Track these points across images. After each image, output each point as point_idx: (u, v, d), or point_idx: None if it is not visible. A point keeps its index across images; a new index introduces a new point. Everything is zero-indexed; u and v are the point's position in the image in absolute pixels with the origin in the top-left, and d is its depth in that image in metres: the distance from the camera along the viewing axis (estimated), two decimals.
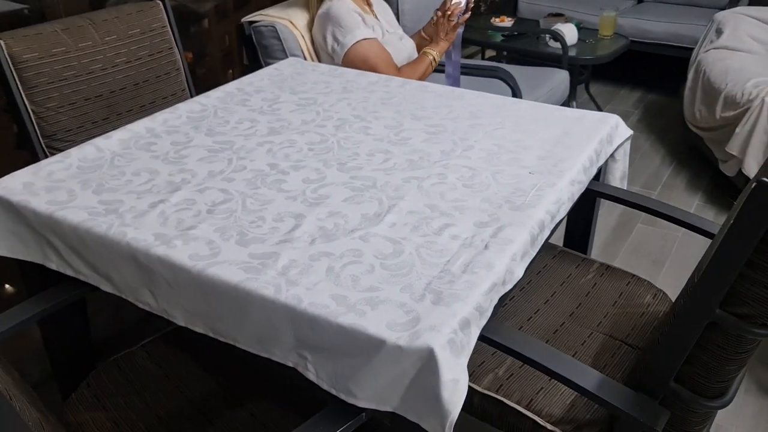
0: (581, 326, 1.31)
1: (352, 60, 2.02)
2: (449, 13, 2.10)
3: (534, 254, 1.08)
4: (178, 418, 1.12)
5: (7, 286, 1.94)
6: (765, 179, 0.76)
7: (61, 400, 1.39)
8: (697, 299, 0.86)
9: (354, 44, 2.01)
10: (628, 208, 1.55)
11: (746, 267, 0.81)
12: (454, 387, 0.82)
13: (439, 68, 2.26)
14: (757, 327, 0.84)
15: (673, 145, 3.22)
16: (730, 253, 0.81)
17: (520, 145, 1.35)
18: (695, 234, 1.36)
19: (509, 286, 0.99)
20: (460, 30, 2.22)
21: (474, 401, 1.18)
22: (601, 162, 1.40)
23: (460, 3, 2.09)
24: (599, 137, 1.39)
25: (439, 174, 1.23)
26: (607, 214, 2.60)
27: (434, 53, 2.13)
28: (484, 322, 0.93)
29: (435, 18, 2.18)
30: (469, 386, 1.17)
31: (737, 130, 2.51)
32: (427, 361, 0.82)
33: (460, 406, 0.83)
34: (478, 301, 0.91)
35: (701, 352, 0.90)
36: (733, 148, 2.54)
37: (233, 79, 1.76)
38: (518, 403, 1.13)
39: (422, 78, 2.13)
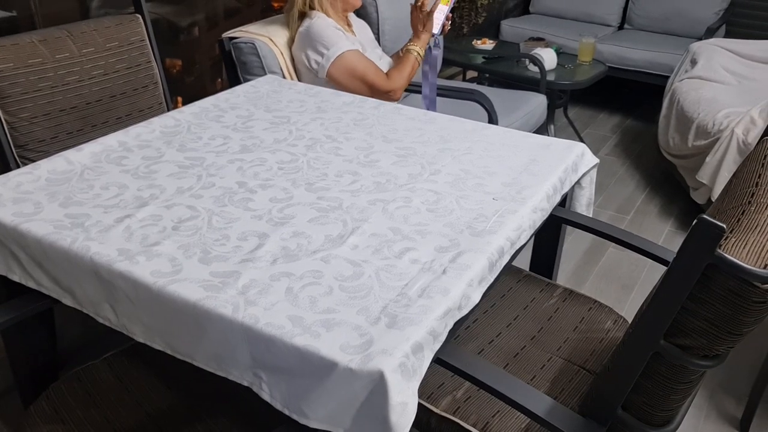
0: (541, 350, 1.34)
1: (338, 72, 2.04)
2: (420, 3, 2.13)
3: (492, 280, 1.10)
4: None
5: None
6: (705, 216, 0.78)
7: (23, 410, 1.39)
8: (643, 330, 0.89)
9: (338, 56, 2.03)
10: None
11: (688, 300, 0.84)
12: (403, 410, 0.84)
13: (417, 89, 2.29)
14: (698, 358, 0.87)
15: (648, 170, 3.28)
16: (673, 286, 0.84)
17: (487, 171, 1.38)
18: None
19: (465, 311, 1.01)
20: (439, 52, 2.25)
21: (432, 423, 1.19)
22: (565, 190, 1.43)
23: None
24: (564, 165, 1.42)
25: (405, 197, 1.26)
26: (579, 238, 2.64)
27: (417, 48, 2.15)
28: (438, 346, 0.95)
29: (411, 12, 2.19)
30: (427, 408, 1.19)
31: (707, 159, 2.57)
32: (378, 384, 0.83)
33: (408, 429, 0.84)
34: (432, 325, 0.93)
35: (647, 381, 0.92)
36: (703, 176, 2.59)
37: (222, 87, 1.78)
38: (474, 426, 1.15)
39: (411, 75, 2.14)
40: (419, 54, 2.15)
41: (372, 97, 2.16)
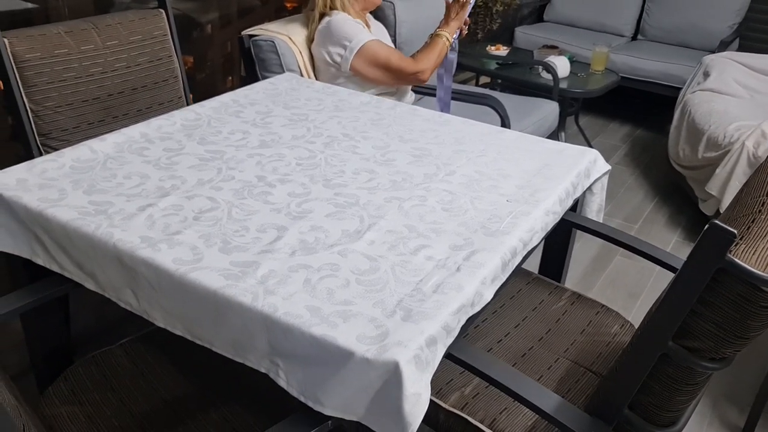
0: (549, 351, 1.36)
1: (361, 62, 2.06)
2: None
3: (504, 279, 1.12)
4: (152, 417, 1.15)
5: None
6: (717, 221, 0.81)
7: (37, 393, 1.42)
8: (652, 331, 0.91)
9: (361, 47, 2.05)
10: None
11: (698, 303, 0.86)
12: (416, 400, 0.86)
13: (431, 92, 2.32)
14: (706, 360, 0.89)
15: (657, 180, 3.30)
16: (683, 289, 0.86)
17: (501, 174, 1.40)
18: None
19: (478, 308, 1.04)
20: (454, 55, 2.28)
21: (440, 418, 1.21)
22: (577, 194, 1.45)
23: None
24: (577, 170, 1.44)
25: (420, 196, 1.28)
26: (587, 245, 2.65)
27: (446, 33, 2.15)
28: (450, 340, 0.97)
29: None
30: (436, 403, 1.21)
31: (717, 170, 2.58)
32: (393, 375, 0.86)
33: (421, 419, 0.87)
34: (446, 320, 0.95)
35: (654, 381, 0.94)
36: (712, 188, 2.61)
37: (233, 86, 1.81)
38: (482, 422, 1.17)
39: (439, 60, 2.14)
40: (448, 39, 2.14)
41: (398, 84, 2.17)
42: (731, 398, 1.89)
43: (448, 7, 2.19)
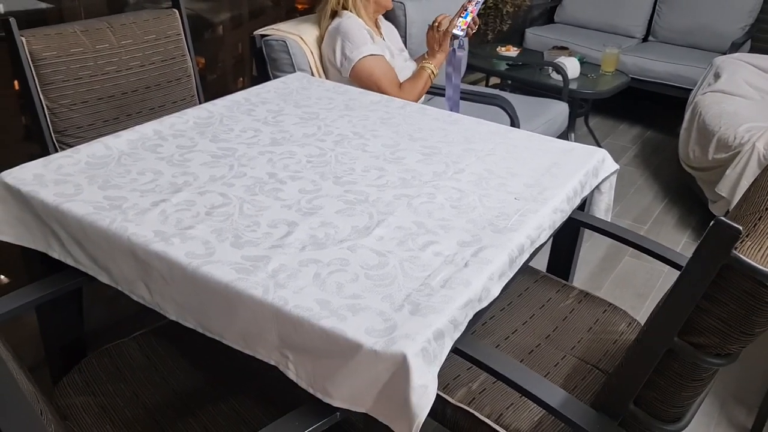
0: (556, 349, 1.37)
1: (359, 74, 2.10)
2: (437, 24, 2.18)
3: (511, 275, 1.13)
4: (163, 409, 1.17)
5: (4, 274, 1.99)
6: (723, 218, 0.82)
7: (51, 386, 1.44)
8: (657, 327, 0.92)
9: (361, 59, 2.09)
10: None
11: (703, 299, 0.87)
12: (423, 392, 0.88)
13: (440, 91, 2.33)
14: (711, 356, 0.90)
15: (666, 182, 3.29)
16: (689, 285, 0.87)
17: (509, 172, 1.41)
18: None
19: (485, 304, 1.05)
20: (463, 54, 2.29)
21: (447, 412, 1.23)
22: (585, 193, 1.46)
23: (447, 15, 2.17)
24: (585, 169, 1.45)
25: (429, 194, 1.30)
26: (595, 245, 2.66)
27: (431, 66, 2.20)
28: (457, 335, 0.99)
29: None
30: (443, 398, 1.22)
31: (727, 172, 2.58)
32: (400, 367, 0.87)
33: (428, 411, 0.88)
34: (454, 314, 0.97)
35: (659, 377, 0.95)
36: (722, 189, 2.60)
37: (243, 86, 1.82)
38: (488, 417, 1.18)
39: (423, 91, 2.20)
40: (433, 72, 2.22)
41: None
42: (739, 399, 1.89)
43: (430, 40, 2.21)
